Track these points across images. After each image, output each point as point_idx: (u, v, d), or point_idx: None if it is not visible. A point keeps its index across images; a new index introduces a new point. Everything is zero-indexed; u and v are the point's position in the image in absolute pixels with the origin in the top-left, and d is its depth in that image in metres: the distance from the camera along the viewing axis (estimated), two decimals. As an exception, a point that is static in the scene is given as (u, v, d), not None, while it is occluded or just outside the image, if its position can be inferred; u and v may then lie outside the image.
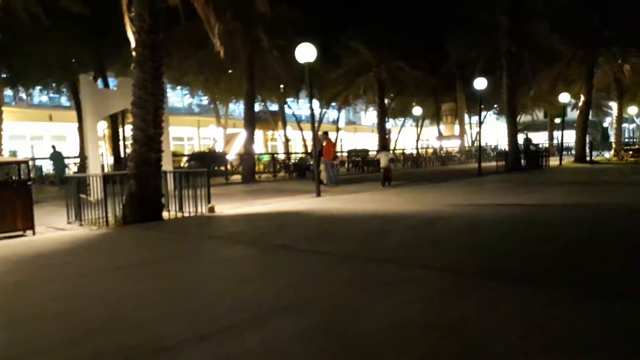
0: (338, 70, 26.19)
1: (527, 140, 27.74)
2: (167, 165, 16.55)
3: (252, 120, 20.06)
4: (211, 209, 9.41)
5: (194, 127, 42.62)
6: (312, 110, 12.33)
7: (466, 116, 48.62)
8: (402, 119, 46.83)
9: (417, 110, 33.53)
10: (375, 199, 11.12)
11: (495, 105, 40.55)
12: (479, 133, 21.05)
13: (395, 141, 45.66)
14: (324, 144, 15.85)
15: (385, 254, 5.10)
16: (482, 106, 38.55)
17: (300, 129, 35.77)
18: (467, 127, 48.21)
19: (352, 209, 9.27)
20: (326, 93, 29.45)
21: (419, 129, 43.42)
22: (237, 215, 9.03)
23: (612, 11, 22.89)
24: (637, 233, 6.03)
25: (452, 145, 40.60)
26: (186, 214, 9.33)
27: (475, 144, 45.10)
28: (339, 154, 33.39)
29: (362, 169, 25.56)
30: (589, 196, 10.21)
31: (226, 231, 7.32)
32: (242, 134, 22.32)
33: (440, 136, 44.49)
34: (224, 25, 20.12)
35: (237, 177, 21.21)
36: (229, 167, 22.43)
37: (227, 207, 10.35)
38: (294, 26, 20.36)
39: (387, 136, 28.49)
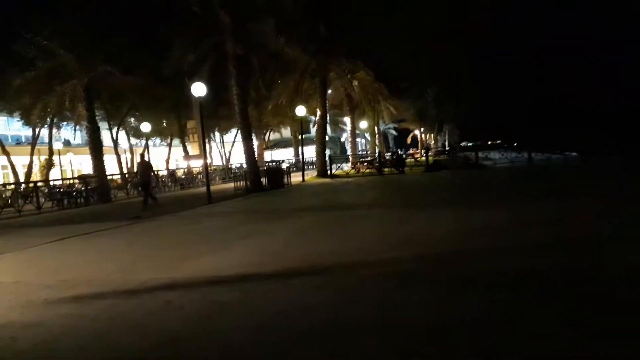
0: (26, 74, 19.44)
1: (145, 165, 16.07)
2: None
3: None
4: None
5: None
6: None
7: (218, 135, 45.42)
8: (147, 139, 40.83)
9: (145, 127, 28.43)
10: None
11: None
12: (207, 152, 17.47)
13: (138, 164, 39.41)
14: None
15: None
16: (219, 121, 35.90)
17: (6, 154, 26.92)
18: (219, 145, 45.17)
19: None
20: (10, 104, 22.00)
21: (169, 148, 38.33)
22: None
23: (338, 23, 22.54)
24: None
25: (199, 166, 36.77)
26: None
27: (229, 164, 42.26)
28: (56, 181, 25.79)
29: (66, 204, 18.77)
30: (334, 241, 6.71)
31: None
32: None
33: (187, 156, 40.24)
34: None
35: None
36: None
37: None
38: None
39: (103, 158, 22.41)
